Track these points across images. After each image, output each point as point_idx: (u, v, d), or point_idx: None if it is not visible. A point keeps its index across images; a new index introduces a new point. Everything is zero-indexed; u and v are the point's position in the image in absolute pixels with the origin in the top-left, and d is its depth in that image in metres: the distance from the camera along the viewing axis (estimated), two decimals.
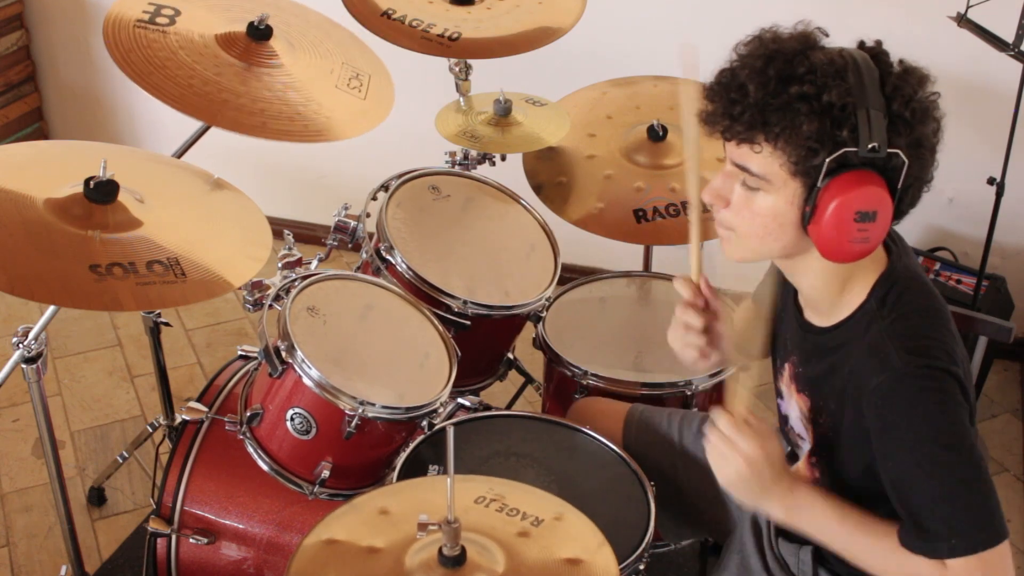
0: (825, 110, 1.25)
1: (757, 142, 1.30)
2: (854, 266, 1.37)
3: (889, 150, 1.26)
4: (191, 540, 1.89)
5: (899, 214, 1.33)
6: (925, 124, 1.28)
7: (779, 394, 1.58)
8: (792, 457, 1.62)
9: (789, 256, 1.40)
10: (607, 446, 1.81)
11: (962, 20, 2.41)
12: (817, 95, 1.25)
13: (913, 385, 1.30)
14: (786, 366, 1.53)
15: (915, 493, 1.31)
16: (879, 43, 1.32)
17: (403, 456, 1.77)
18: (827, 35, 1.33)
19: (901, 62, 1.31)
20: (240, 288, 1.70)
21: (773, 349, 1.60)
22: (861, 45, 1.32)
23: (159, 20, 1.92)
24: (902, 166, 1.27)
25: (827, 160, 1.26)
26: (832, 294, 1.41)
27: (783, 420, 1.59)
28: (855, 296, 1.39)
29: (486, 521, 1.31)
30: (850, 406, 1.37)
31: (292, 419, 1.76)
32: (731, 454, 1.37)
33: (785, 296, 1.55)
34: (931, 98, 1.31)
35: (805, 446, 1.53)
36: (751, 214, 1.35)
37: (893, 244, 1.43)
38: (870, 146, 1.25)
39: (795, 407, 1.51)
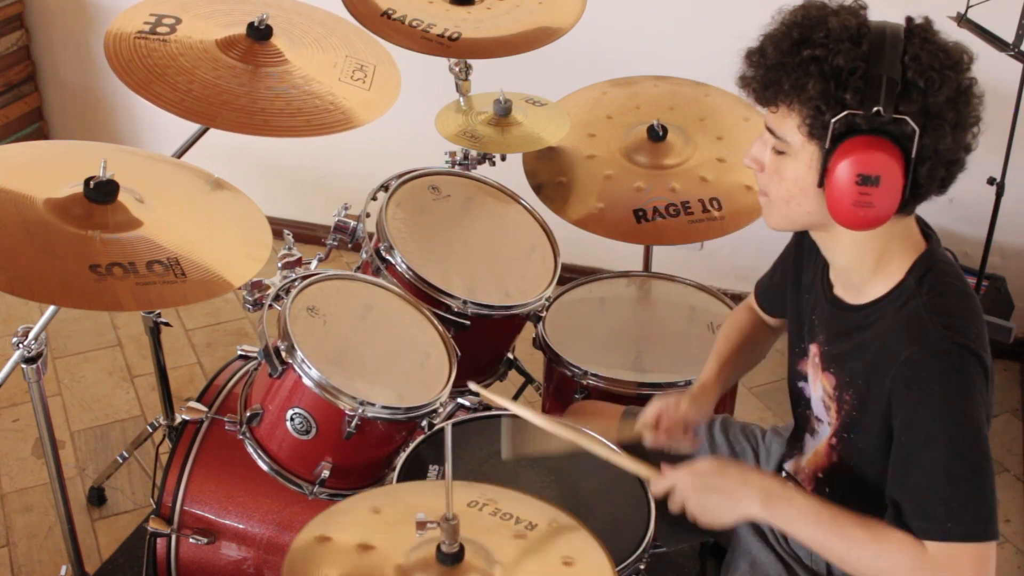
0: (833, 72, 1.27)
1: (775, 103, 1.33)
2: (887, 242, 1.38)
3: (895, 116, 1.26)
4: (191, 540, 1.89)
5: (916, 188, 1.31)
6: (941, 94, 1.27)
7: (802, 376, 1.57)
8: (795, 451, 1.62)
9: (818, 226, 1.41)
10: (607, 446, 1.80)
11: (962, 20, 2.41)
12: (827, 57, 1.27)
13: (946, 361, 1.30)
14: (812, 346, 1.53)
15: (922, 469, 1.31)
16: (927, 19, 1.33)
17: (403, 456, 1.77)
18: (865, 7, 1.34)
19: (935, 36, 1.30)
20: (240, 288, 1.70)
21: (796, 330, 1.60)
22: (909, 20, 1.33)
23: (160, 30, 1.93)
24: (913, 134, 1.27)
25: (832, 121, 1.27)
26: (866, 270, 1.41)
27: (805, 403, 1.58)
28: (891, 274, 1.39)
29: (481, 524, 1.31)
30: (878, 380, 1.37)
31: (292, 419, 1.76)
32: (674, 485, 1.43)
33: (814, 273, 1.55)
34: (959, 73, 1.29)
35: (824, 429, 1.52)
36: (780, 178, 1.38)
37: (931, 232, 1.44)
38: (874, 110, 1.26)
39: (819, 387, 1.51)
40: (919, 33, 1.30)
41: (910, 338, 1.33)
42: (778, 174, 1.38)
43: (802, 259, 1.59)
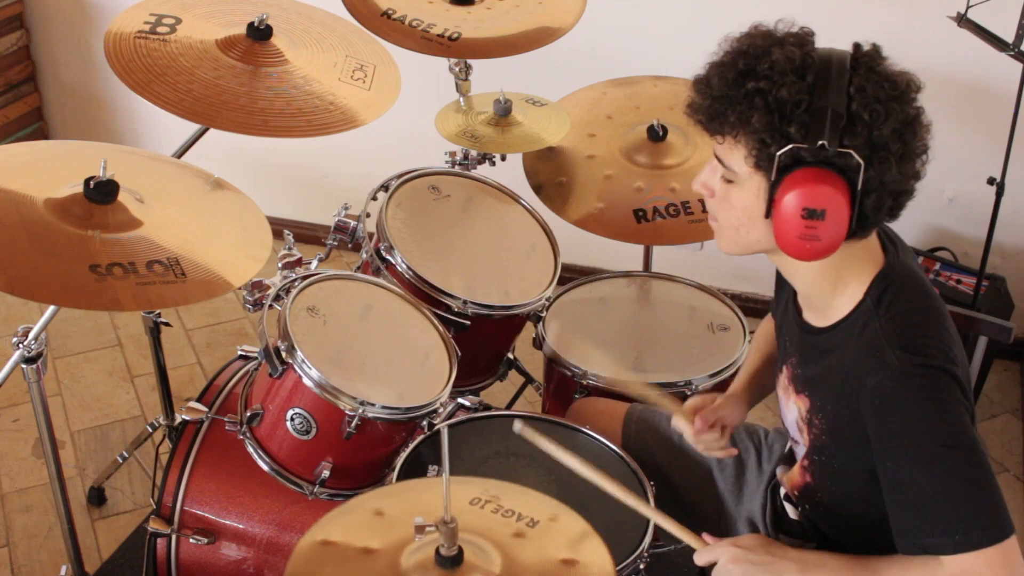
0: (778, 106, 1.27)
1: (721, 134, 1.34)
2: (842, 264, 1.37)
3: (840, 149, 1.26)
4: (191, 540, 1.89)
5: (863, 219, 1.31)
6: (886, 127, 1.27)
7: (778, 397, 1.58)
8: (790, 459, 1.63)
9: (770, 251, 1.41)
10: (607, 446, 1.81)
11: (962, 20, 2.41)
12: (771, 90, 1.27)
13: (909, 384, 1.30)
14: (785, 368, 1.53)
15: (915, 492, 1.31)
16: (875, 46, 1.32)
17: (403, 456, 1.77)
18: (812, 33, 1.34)
19: (880, 66, 1.30)
20: (240, 288, 1.71)
21: (779, 350, 1.61)
22: (856, 47, 1.32)
23: (160, 30, 1.93)
24: (858, 167, 1.27)
25: (778, 154, 1.27)
26: (824, 293, 1.41)
27: (783, 422, 1.59)
28: (851, 296, 1.39)
29: (482, 522, 1.31)
30: (846, 406, 1.37)
31: (292, 419, 1.76)
32: (719, 558, 1.44)
33: (787, 298, 1.55)
34: (905, 104, 1.29)
35: (800, 450, 1.53)
36: (728, 206, 1.39)
37: (891, 244, 1.43)
38: (819, 143, 1.26)
39: (793, 409, 1.51)
40: (865, 63, 1.29)
41: (871, 366, 1.33)
42: (727, 202, 1.38)
43: (782, 282, 1.59)
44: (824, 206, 1.27)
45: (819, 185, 1.27)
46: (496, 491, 1.38)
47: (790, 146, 1.27)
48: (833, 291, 1.40)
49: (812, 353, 1.46)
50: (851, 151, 1.26)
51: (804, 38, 1.33)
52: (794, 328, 1.51)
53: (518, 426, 1.60)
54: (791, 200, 1.28)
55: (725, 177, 1.37)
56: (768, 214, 1.33)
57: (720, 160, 1.37)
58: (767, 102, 1.27)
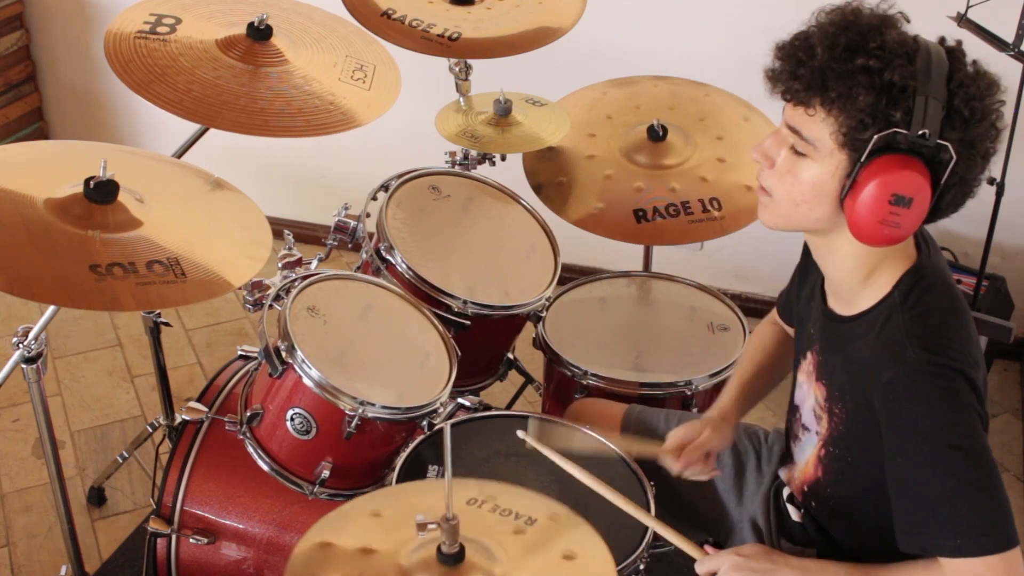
0: (885, 87, 1.25)
1: (812, 106, 1.30)
2: (882, 256, 1.37)
3: (939, 141, 1.25)
4: (191, 540, 1.89)
5: (936, 211, 1.31)
6: (981, 126, 1.28)
7: (796, 384, 1.57)
8: (788, 448, 1.63)
9: (821, 232, 1.39)
10: (608, 446, 1.80)
11: (962, 20, 2.41)
12: (880, 70, 1.25)
13: (925, 382, 1.29)
14: (808, 354, 1.53)
15: (921, 491, 1.31)
16: (959, 43, 1.32)
17: (403, 456, 1.77)
18: (908, 20, 1.33)
19: (975, 63, 1.31)
20: (240, 288, 1.70)
21: (798, 338, 1.61)
22: (942, 41, 1.32)
23: (160, 30, 1.93)
24: (949, 161, 1.26)
25: (875, 136, 1.26)
26: (857, 282, 1.40)
27: (794, 410, 1.58)
28: (879, 288, 1.39)
29: (480, 521, 1.31)
30: (863, 398, 1.37)
31: (292, 419, 1.77)
32: (719, 566, 1.43)
33: (813, 283, 1.55)
34: (995, 105, 1.30)
35: (811, 438, 1.52)
36: (793, 179, 1.35)
37: (924, 243, 1.43)
38: (920, 132, 1.25)
39: (811, 396, 1.51)
40: (960, 58, 1.30)
41: (889, 360, 1.32)
42: (792, 175, 1.35)
43: (807, 268, 1.59)
44: (913, 194, 1.26)
45: (912, 173, 1.26)
46: (492, 491, 1.38)
47: (891, 130, 1.25)
48: (864, 281, 1.39)
49: (835, 341, 1.46)
50: (948, 144, 1.25)
51: (904, 23, 1.32)
52: (819, 314, 1.51)
53: (524, 434, 1.60)
54: (880, 184, 1.26)
55: (797, 149, 1.34)
56: (845, 194, 1.31)
57: (796, 131, 1.33)
58: (874, 82, 1.25)
